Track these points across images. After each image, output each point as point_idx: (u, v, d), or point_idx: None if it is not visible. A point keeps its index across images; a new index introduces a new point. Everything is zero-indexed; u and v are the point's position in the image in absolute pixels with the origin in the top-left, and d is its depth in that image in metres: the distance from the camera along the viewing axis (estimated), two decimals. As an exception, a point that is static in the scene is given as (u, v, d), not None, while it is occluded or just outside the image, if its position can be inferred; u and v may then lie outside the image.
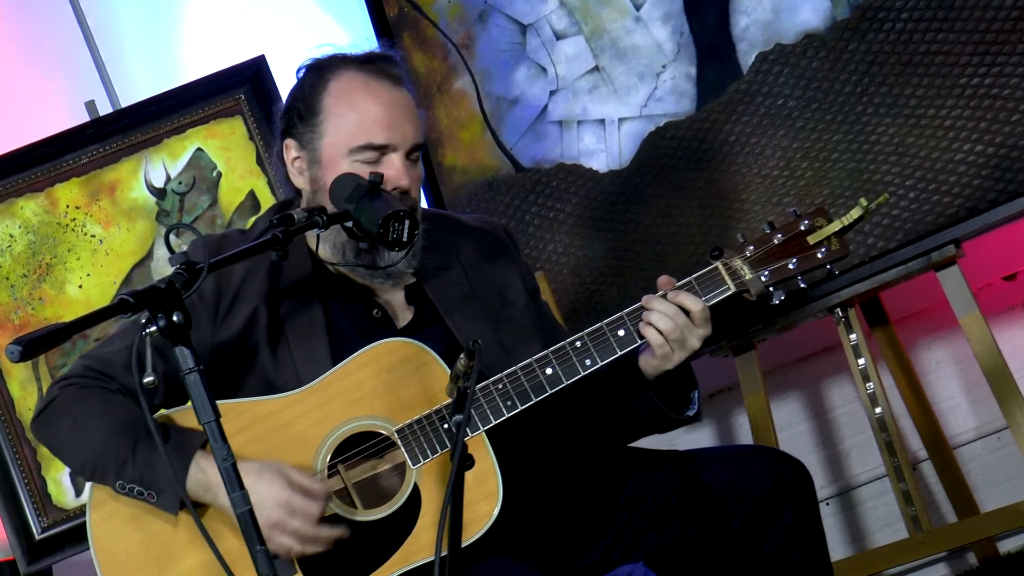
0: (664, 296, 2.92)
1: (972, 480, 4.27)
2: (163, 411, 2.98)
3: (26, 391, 4.08)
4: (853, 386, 4.31)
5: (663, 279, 2.95)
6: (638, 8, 4.06)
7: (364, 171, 2.98)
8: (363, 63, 3.06)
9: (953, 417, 4.41)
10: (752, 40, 3.99)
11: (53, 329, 2.52)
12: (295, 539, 2.84)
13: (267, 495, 2.81)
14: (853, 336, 4.02)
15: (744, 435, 4.43)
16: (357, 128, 3.01)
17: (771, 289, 2.97)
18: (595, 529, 3.03)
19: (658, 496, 3.00)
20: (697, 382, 3.04)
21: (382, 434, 2.93)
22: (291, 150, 3.08)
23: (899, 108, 3.87)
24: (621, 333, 2.94)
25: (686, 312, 2.91)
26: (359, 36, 4.31)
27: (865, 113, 3.90)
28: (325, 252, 3.06)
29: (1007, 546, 4.30)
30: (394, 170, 2.99)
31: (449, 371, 2.91)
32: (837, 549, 4.40)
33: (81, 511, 3.98)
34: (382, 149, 3.00)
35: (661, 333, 2.90)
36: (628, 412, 3.03)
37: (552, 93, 4.13)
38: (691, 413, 3.03)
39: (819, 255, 2.98)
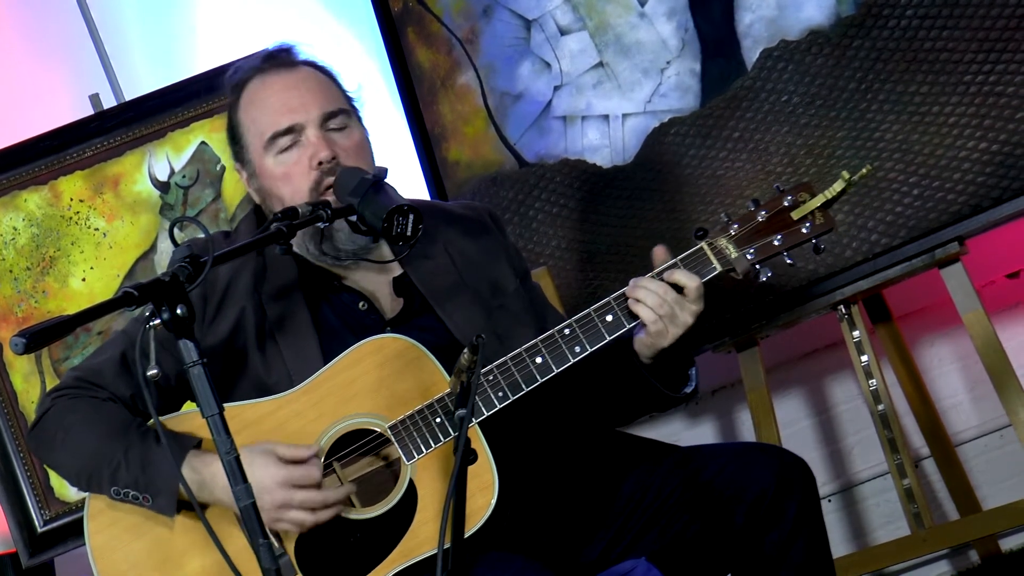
0: (654, 276, 2.93)
1: (974, 477, 4.27)
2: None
3: (29, 384, 4.08)
4: (856, 383, 4.31)
5: (659, 250, 2.95)
6: (643, 4, 4.06)
7: (288, 161, 3.02)
8: (261, 64, 3.12)
9: (955, 414, 4.41)
10: (757, 36, 3.99)
11: (57, 322, 2.52)
12: (305, 511, 2.84)
13: (264, 478, 2.82)
14: (856, 333, 4.02)
15: (746, 431, 4.43)
16: (262, 125, 3.06)
17: (757, 267, 2.97)
18: (596, 524, 3.03)
19: (660, 493, 3.00)
20: (694, 361, 3.04)
21: (376, 431, 2.93)
22: (241, 173, 3.15)
23: (903, 105, 3.87)
24: (609, 318, 2.94)
25: (679, 289, 2.91)
26: (363, 31, 4.32)
27: (869, 110, 3.90)
28: (299, 249, 3.07)
29: (1009, 543, 4.30)
30: (310, 146, 3.02)
31: (440, 366, 2.92)
32: (839, 546, 4.40)
33: (83, 504, 3.98)
34: (289, 132, 3.04)
35: (652, 310, 2.90)
36: (625, 392, 3.03)
37: (556, 88, 4.13)
38: (688, 390, 3.03)
39: (804, 230, 2.98)
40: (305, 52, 3.13)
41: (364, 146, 3.09)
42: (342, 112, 3.07)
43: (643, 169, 4.08)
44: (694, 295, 2.91)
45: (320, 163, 3.00)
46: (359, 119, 3.13)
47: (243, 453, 2.80)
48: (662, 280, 2.93)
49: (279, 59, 3.11)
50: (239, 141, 3.11)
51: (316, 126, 3.04)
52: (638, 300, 2.91)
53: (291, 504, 2.84)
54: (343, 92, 3.13)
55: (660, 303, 2.90)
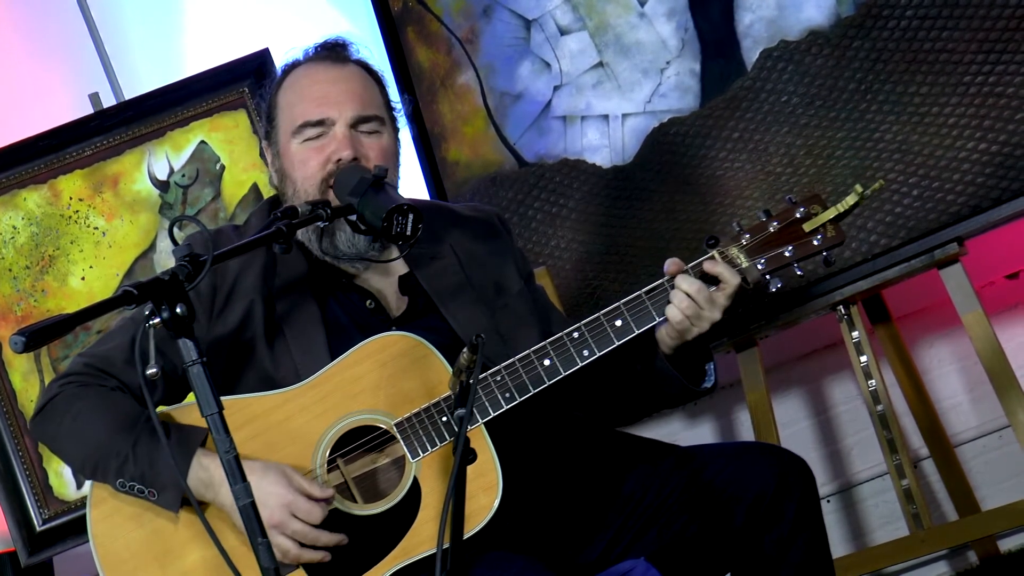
0: (693, 271, 2.95)
1: (973, 478, 4.27)
2: (163, 408, 2.98)
3: (28, 383, 4.08)
4: (855, 383, 4.31)
5: (672, 264, 2.96)
6: (643, 4, 4.06)
7: (311, 149, 3.05)
8: (312, 54, 3.15)
9: (955, 415, 4.41)
10: (756, 37, 3.99)
11: (56, 320, 2.52)
12: (294, 542, 2.84)
13: (270, 495, 2.81)
14: (855, 333, 4.02)
15: (745, 431, 4.43)
16: (296, 111, 3.08)
17: (768, 277, 2.98)
18: (596, 524, 3.03)
19: (660, 493, 3.00)
20: (712, 355, 3.05)
21: (381, 428, 2.93)
22: (267, 151, 3.17)
23: (903, 106, 3.87)
24: (619, 323, 2.95)
25: (716, 281, 2.93)
26: (363, 30, 4.32)
27: (869, 110, 3.90)
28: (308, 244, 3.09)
29: (1008, 544, 4.30)
30: (335, 141, 3.04)
31: (447, 364, 2.92)
32: (838, 546, 4.40)
33: (82, 503, 3.98)
34: (319, 124, 3.06)
35: (680, 311, 2.91)
36: (645, 384, 3.04)
37: (556, 88, 4.13)
38: (708, 385, 3.04)
39: (815, 242, 2.99)
40: (360, 52, 3.16)
41: (390, 155, 3.10)
42: (376, 119, 3.09)
43: (643, 169, 4.07)
44: (730, 291, 2.93)
45: (339, 160, 3.02)
46: (395, 130, 3.14)
47: (258, 465, 2.82)
48: (702, 271, 2.94)
49: (332, 52, 3.14)
50: (272, 120, 3.13)
51: (346, 124, 3.05)
52: (668, 301, 2.93)
53: (284, 529, 2.83)
54: (385, 100, 3.14)
55: (689, 304, 2.91)
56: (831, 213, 3.00)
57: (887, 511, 4.42)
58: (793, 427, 4.45)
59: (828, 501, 4.46)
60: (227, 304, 3.05)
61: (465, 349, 2.71)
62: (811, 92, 3.94)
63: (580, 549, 3.03)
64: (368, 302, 3.07)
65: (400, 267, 3.11)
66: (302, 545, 2.85)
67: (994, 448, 4.41)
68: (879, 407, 4.03)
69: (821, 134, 3.93)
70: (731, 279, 2.93)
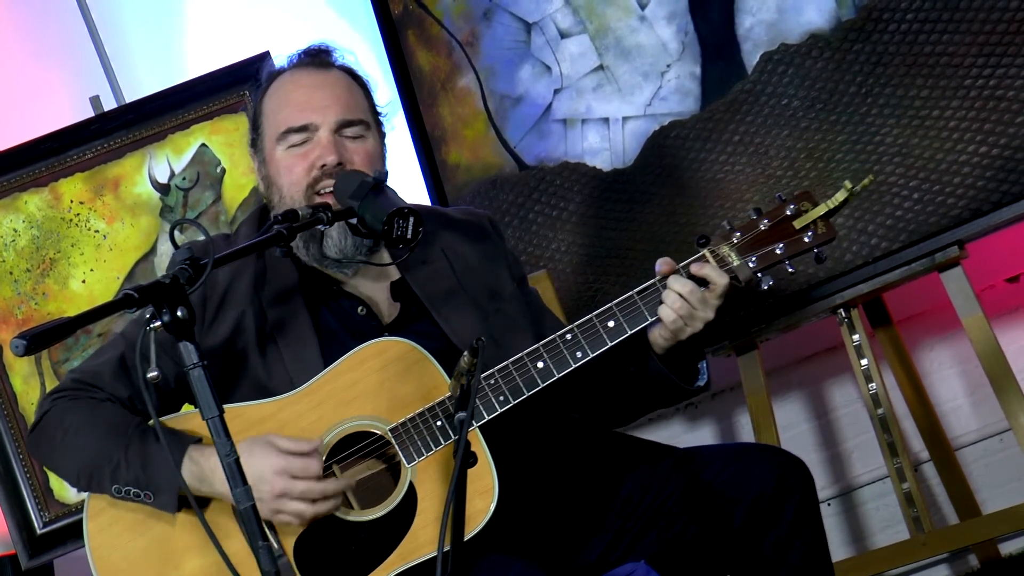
0: (683, 271, 2.95)
1: (974, 481, 4.27)
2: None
3: (29, 386, 4.08)
4: (855, 386, 4.31)
5: (664, 263, 2.96)
6: (643, 7, 4.06)
7: (295, 156, 3.05)
8: (295, 61, 3.16)
9: (955, 418, 4.41)
10: (757, 40, 3.99)
11: (57, 324, 2.53)
12: (305, 502, 2.84)
13: (264, 467, 2.82)
14: (856, 337, 4.02)
15: (746, 434, 4.43)
16: (280, 117, 3.08)
17: (759, 275, 2.98)
18: (595, 526, 3.03)
19: (659, 494, 3.00)
20: (705, 354, 3.05)
21: (377, 433, 2.93)
22: (254, 159, 3.17)
23: (903, 109, 3.87)
24: (611, 324, 2.95)
25: (705, 283, 2.93)
26: (364, 33, 4.33)
27: (869, 114, 3.90)
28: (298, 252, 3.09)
29: (1009, 548, 4.30)
30: (319, 147, 3.04)
31: (441, 369, 2.92)
32: (838, 550, 4.40)
33: (83, 506, 3.98)
34: (303, 130, 3.06)
35: (673, 311, 2.91)
36: (637, 385, 3.04)
37: (556, 91, 4.13)
38: (701, 383, 3.04)
39: (806, 239, 3.00)
40: (344, 58, 3.16)
41: (375, 158, 3.09)
42: (361, 123, 3.09)
43: (643, 172, 4.08)
44: (720, 291, 2.94)
45: (323, 165, 3.02)
46: (380, 134, 3.15)
47: (243, 444, 2.82)
48: (690, 274, 2.94)
49: (315, 58, 3.14)
50: (258, 128, 3.13)
51: (330, 129, 3.05)
52: (660, 301, 2.93)
53: (290, 494, 2.84)
54: (370, 104, 3.15)
55: (682, 305, 2.92)
56: (821, 210, 3.01)
57: (887, 514, 4.42)
58: (793, 430, 4.45)
59: (828, 504, 4.46)
60: (218, 314, 3.05)
61: (466, 352, 2.72)
62: (811, 95, 3.94)
63: (578, 551, 3.03)
64: (359, 308, 3.08)
65: (391, 272, 3.11)
66: (313, 501, 2.85)
67: (995, 451, 4.41)
68: (879, 410, 4.03)
69: (822, 137, 3.93)
70: (718, 280, 2.93)
